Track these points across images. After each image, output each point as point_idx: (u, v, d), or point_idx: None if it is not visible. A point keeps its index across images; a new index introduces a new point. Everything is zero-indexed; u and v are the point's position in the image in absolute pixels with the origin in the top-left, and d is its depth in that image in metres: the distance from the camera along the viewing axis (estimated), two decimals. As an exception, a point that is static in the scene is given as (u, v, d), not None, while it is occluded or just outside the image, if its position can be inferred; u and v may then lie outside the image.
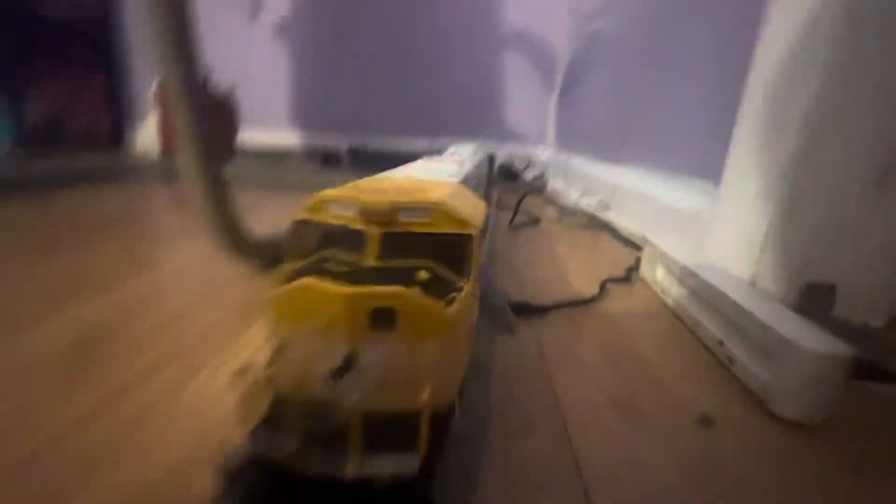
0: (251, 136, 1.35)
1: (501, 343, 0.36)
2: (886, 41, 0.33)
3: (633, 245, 0.67)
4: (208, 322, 0.37)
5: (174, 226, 0.69)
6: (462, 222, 0.21)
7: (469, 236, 0.21)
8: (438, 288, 0.19)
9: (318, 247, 0.22)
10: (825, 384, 0.28)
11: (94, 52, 1.25)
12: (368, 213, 0.21)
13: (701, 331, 0.39)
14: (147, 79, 1.29)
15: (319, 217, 0.22)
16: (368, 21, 1.29)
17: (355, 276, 0.19)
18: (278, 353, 0.18)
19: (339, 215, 0.21)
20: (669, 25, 0.72)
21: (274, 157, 1.26)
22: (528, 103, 1.35)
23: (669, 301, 0.46)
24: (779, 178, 0.38)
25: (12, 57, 1.05)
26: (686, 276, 0.43)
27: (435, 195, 0.22)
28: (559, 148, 1.19)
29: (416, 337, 0.17)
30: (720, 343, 0.36)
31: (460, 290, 0.20)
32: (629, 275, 0.54)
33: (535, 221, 0.81)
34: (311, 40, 1.33)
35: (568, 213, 0.88)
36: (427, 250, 0.21)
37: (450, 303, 0.19)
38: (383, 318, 0.17)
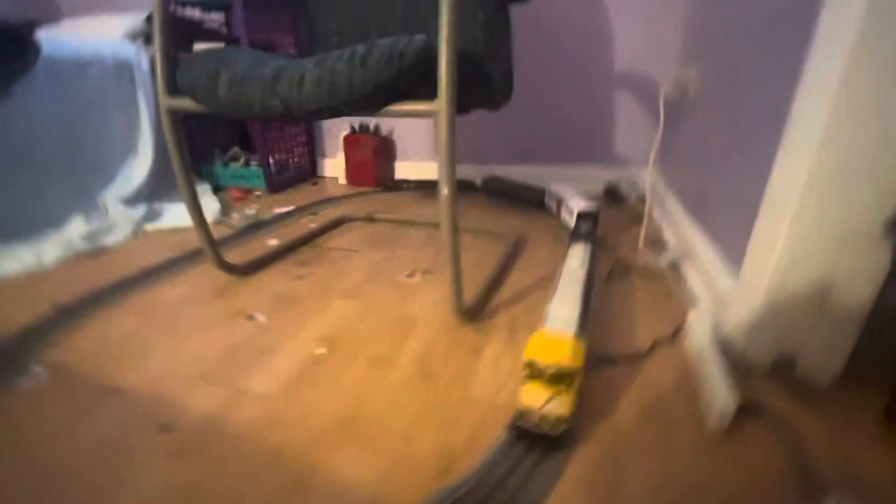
0: (401, 167, 1.76)
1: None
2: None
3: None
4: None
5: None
6: None
7: None
8: None
9: None
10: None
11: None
12: None
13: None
14: (333, 127, 1.76)
15: None
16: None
17: None
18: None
19: None
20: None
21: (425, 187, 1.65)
22: (636, 133, 1.52)
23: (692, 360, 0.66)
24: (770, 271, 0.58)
25: (260, 135, 1.56)
26: (692, 341, 0.67)
27: None
28: (661, 182, 1.33)
29: None
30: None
31: None
32: (675, 333, 0.71)
33: (626, 270, 0.97)
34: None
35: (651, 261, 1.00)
36: None
37: None
38: None
